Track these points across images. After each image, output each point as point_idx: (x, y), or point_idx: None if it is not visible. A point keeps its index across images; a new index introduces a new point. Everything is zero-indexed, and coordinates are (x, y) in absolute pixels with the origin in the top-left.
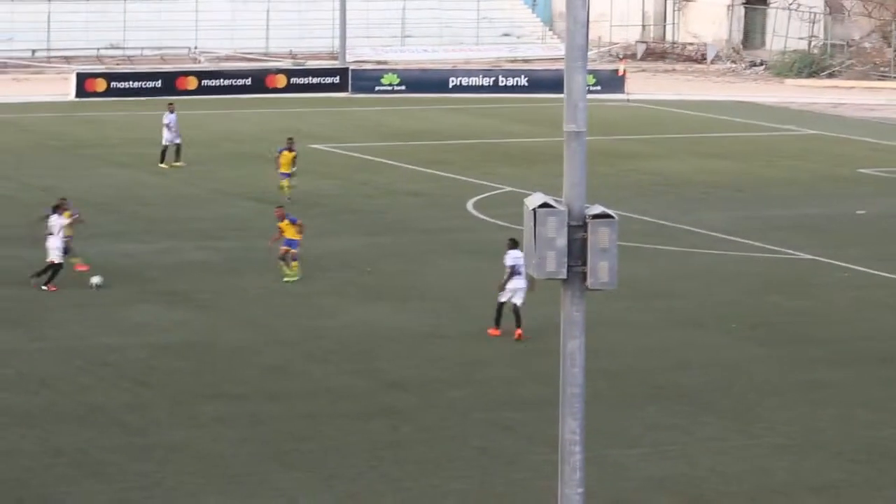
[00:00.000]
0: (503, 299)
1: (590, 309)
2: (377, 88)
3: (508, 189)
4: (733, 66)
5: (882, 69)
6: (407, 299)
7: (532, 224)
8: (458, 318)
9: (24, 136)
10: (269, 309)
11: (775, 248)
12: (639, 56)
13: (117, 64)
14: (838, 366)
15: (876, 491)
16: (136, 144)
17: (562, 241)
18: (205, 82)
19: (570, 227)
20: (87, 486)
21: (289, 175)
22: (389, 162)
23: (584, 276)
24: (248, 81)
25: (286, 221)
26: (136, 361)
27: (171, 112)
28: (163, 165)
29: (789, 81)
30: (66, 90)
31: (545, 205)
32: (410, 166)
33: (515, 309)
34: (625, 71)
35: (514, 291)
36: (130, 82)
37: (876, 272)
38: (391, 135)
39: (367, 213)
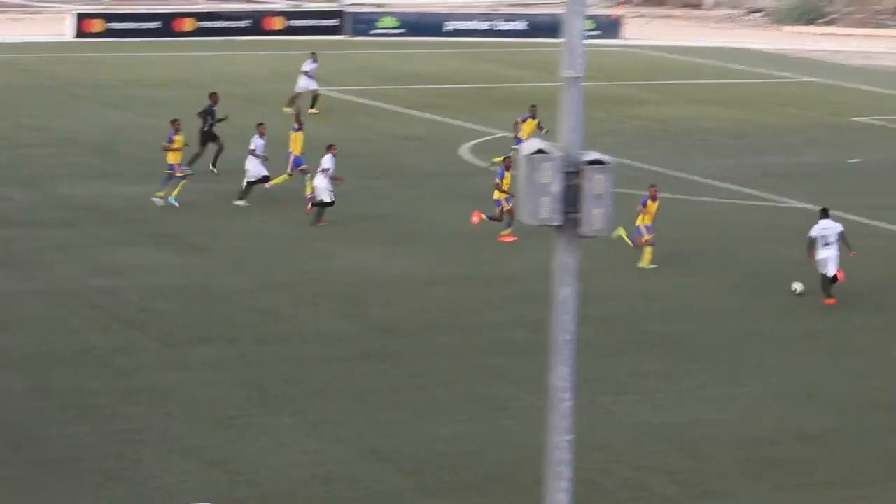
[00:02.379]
0: (822, 271)
1: (582, 255)
2: (375, 31)
3: (504, 134)
4: (732, 12)
5: (881, 17)
6: (399, 244)
7: (527, 170)
8: (450, 263)
9: (20, 76)
10: (261, 252)
11: (770, 195)
12: (637, 1)
13: (114, 3)
14: (829, 315)
15: (865, 440)
16: (132, 86)
17: (556, 187)
18: (202, 24)
19: (564, 173)
20: (77, 428)
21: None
22: (386, 106)
23: (577, 223)
24: (246, 23)
25: None
26: (128, 304)
27: (314, 61)
28: (313, 110)
29: (788, 28)
30: (63, 31)
31: (540, 150)
32: (406, 110)
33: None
34: (621, 16)
35: (825, 261)
36: (128, 23)
37: (869, 221)
38: (388, 78)
39: (362, 157)
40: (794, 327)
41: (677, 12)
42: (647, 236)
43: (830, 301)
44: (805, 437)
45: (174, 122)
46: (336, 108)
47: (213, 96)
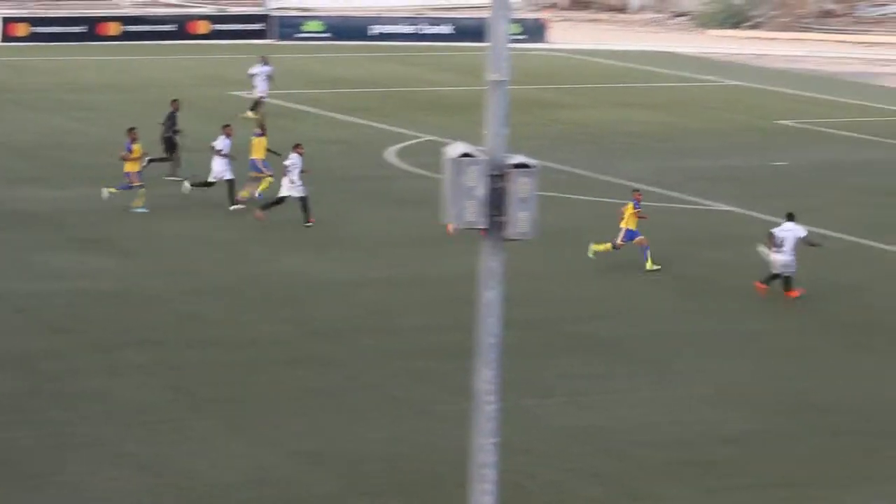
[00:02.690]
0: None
1: (507, 258)
2: (300, 35)
3: (430, 138)
4: (657, 16)
5: (805, 21)
6: (326, 247)
7: (452, 173)
8: (377, 266)
9: None
10: (191, 256)
11: (695, 199)
12: (563, 5)
13: (39, 7)
14: (757, 316)
15: (792, 442)
16: (59, 90)
17: (481, 191)
18: (128, 28)
19: (490, 176)
20: (5, 433)
21: None
22: (311, 109)
23: (502, 226)
24: (171, 27)
25: None
26: (54, 308)
27: (265, 64)
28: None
29: (712, 32)
30: None
31: (466, 154)
32: (332, 114)
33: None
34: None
35: (775, 262)
36: (53, 27)
37: None
38: (313, 82)
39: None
40: (721, 329)
41: (602, 16)
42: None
43: (762, 287)
44: (732, 439)
45: (130, 130)
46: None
47: (175, 103)
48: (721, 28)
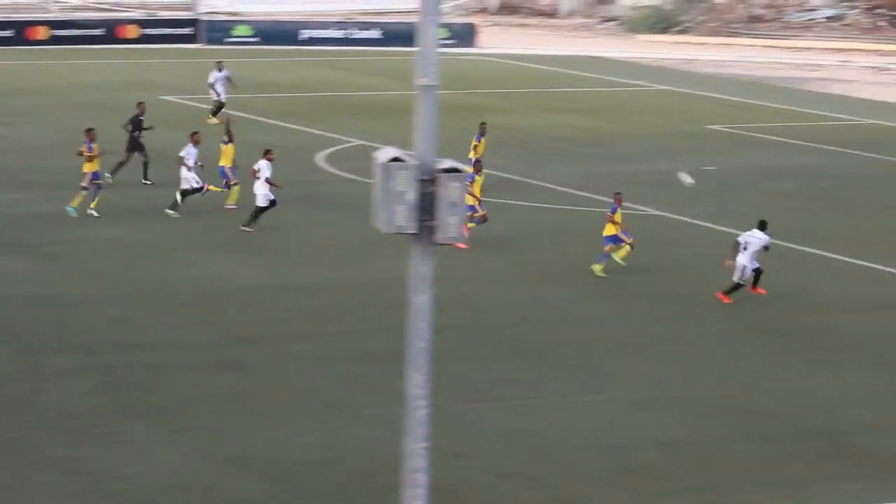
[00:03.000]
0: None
1: (438, 262)
2: (229, 40)
3: (360, 142)
4: (586, 20)
5: (733, 26)
6: (256, 252)
7: (382, 178)
8: (308, 271)
9: None
10: (117, 261)
11: (624, 203)
12: (492, 10)
13: None
14: (685, 321)
15: (722, 446)
16: None
17: (412, 195)
18: (56, 32)
19: (419, 181)
20: None
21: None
22: (241, 114)
23: (432, 231)
24: (100, 32)
25: None
26: None
27: (220, 69)
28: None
29: (642, 37)
30: None
31: (395, 158)
32: (262, 119)
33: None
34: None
35: (737, 268)
36: None
37: (722, 228)
38: (243, 87)
39: (213, 164)
40: (651, 334)
41: (532, 21)
42: (628, 239)
43: (723, 297)
44: (662, 444)
45: (89, 131)
46: (191, 116)
47: (140, 106)
48: (650, 33)
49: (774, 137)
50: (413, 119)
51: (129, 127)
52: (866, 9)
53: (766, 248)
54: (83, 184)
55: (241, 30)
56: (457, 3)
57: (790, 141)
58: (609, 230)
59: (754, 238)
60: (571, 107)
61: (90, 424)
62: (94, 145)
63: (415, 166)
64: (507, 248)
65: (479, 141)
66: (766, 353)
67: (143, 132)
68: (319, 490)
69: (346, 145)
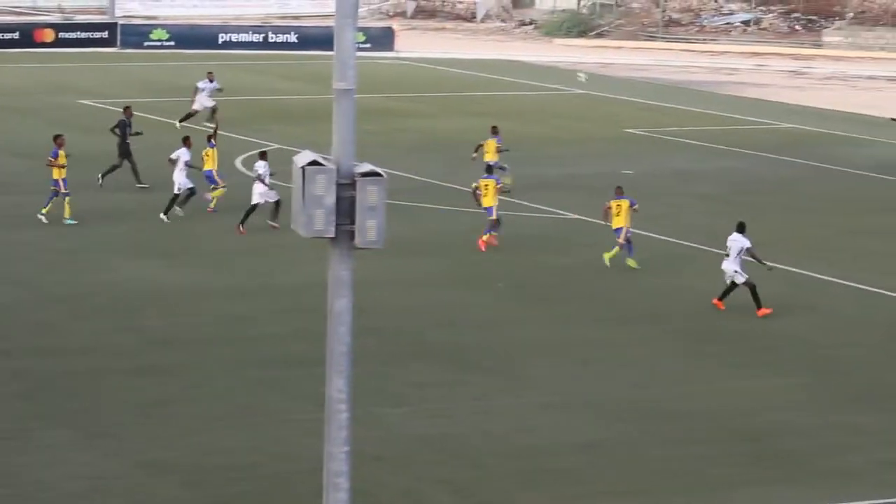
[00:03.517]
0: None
1: (357, 267)
2: (146, 44)
3: (277, 146)
4: (503, 24)
5: (650, 30)
6: (175, 256)
7: (301, 182)
8: (227, 274)
9: None
10: (36, 265)
11: (544, 207)
12: (409, 14)
13: None
14: (605, 325)
15: (642, 449)
16: None
17: (330, 200)
18: None
19: (338, 185)
20: None
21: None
22: (159, 118)
23: (351, 235)
24: (16, 35)
25: None
26: None
27: (211, 80)
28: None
29: (558, 41)
30: None
31: (314, 162)
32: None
33: (747, 286)
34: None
35: (727, 272)
36: None
37: (641, 232)
38: (160, 91)
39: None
40: (570, 337)
41: (449, 25)
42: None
43: (718, 304)
44: (581, 447)
45: (56, 137)
46: (108, 120)
47: (128, 110)
48: (567, 37)
49: (691, 141)
50: (331, 123)
51: (118, 131)
52: (782, 13)
53: (749, 251)
54: (63, 191)
55: (157, 34)
56: (373, 7)
57: (707, 144)
58: (619, 222)
59: (734, 242)
60: (490, 111)
61: (9, 430)
62: (60, 152)
63: (333, 170)
64: (426, 252)
65: (499, 143)
66: (686, 356)
67: (133, 136)
68: (240, 495)
69: (264, 149)
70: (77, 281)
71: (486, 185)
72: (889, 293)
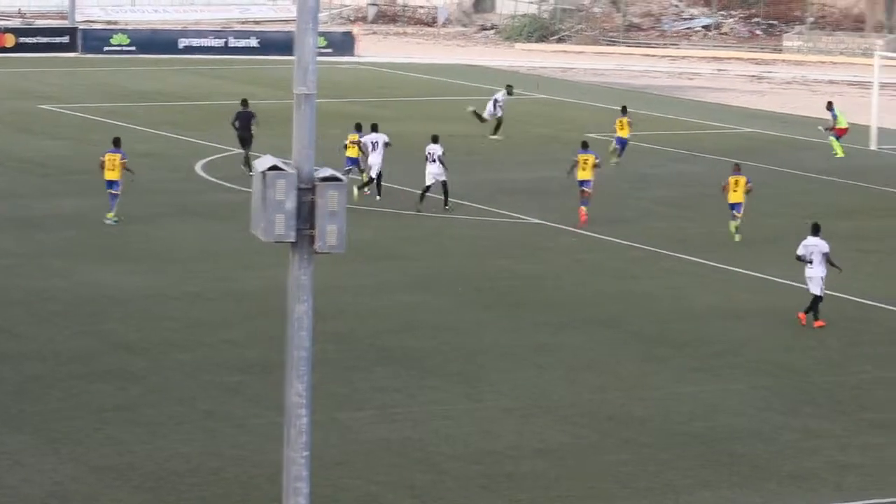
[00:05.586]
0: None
1: (318, 272)
2: (107, 49)
3: (238, 151)
4: (464, 29)
5: (611, 34)
6: (135, 260)
7: (261, 186)
8: (187, 279)
9: None
10: None
11: (504, 211)
12: (370, 19)
13: None
14: (564, 329)
15: (601, 454)
16: None
17: (290, 204)
18: None
19: (298, 189)
20: None
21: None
22: (120, 123)
23: (312, 240)
24: None
25: None
26: None
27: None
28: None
29: (519, 45)
30: None
31: (274, 167)
32: (140, 127)
33: (814, 298)
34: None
35: (809, 280)
36: None
37: (601, 237)
38: (121, 95)
39: (95, 174)
40: (529, 342)
41: (410, 30)
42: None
43: (818, 323)
44: (542, 452)
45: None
46: (69, 125)
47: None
48: (528, 42)
49: (652, 145)
50: (291, 128)
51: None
52: (742, 18)
53: (826, 256)
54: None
55: (118, 39)
56: (334, 12)
57: (667, 149)
58: (737, 198)
59: (815, 247)
60: (451, 115)
61: None
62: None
63: (293, 175)
64: (387, 257)
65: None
66: (644, 360)
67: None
68: (200, 500)
69: (224, 154)
70: (36, 285)
71: (585, 161)
72: (846, 296)
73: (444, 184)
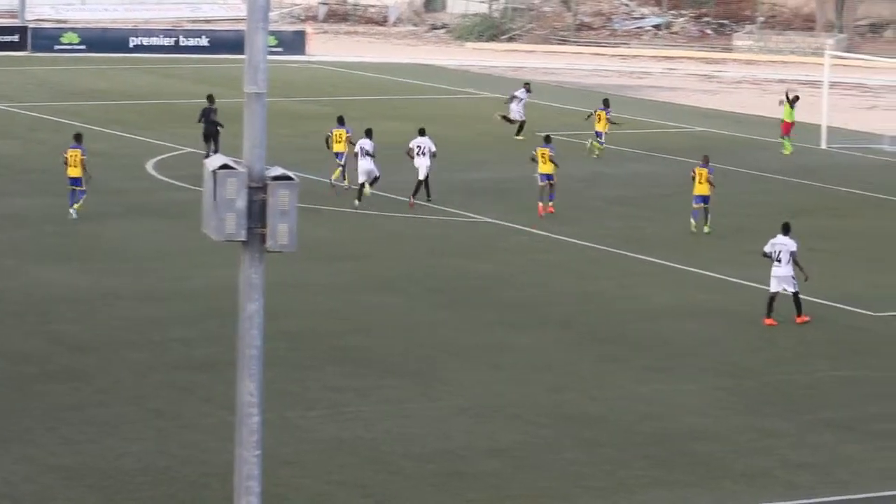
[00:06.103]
0: (773, 290)
1: (271, 271)
2: (57, 47)
3: (189, 150)
4: (415, 28)
5: (562, 34)
6: (86, 260)
7: (212, 185)
8: (138, 279)
9: None
10: None
11: (457, 211)
12: (320, 18)
13: None
14: (519, 329)
15: (555, 453)
16: None
17: (241, 203)
18: None
19: (249, 188)
20: None
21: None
22: (69, 122)
23: (263, 238)
24: None
25: None
26: None
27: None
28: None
29: (470, 45)
30: None
31: (225, 166)
32: (90, 126)
33: (794, 297)
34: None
35: (777, 278)
36: None
37: (556, 236)
38: (71, 94)
39: (46, 173)
40: (485, 342)
41: (360, 29)
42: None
43: (801, 319)
44: (496, 451)
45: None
46: (18, 124)
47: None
48: (479, 41)
49: (605, 144)
50: (242, 126)
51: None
52: (693, 17)
53: (793, 255)
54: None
55: (68, 37)
56: (285, 11)
57: (619, 148)
58: (702, 190)
59: (783, 246)
60: (403, 114)
61: None
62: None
63: (244, 174)
64: (341, 256)
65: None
66: (599, 360)
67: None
68: (151, 499)
69: (175, 153)
70: None
71: (543, 154)
72: (801, 296)
73: (423, 181)
